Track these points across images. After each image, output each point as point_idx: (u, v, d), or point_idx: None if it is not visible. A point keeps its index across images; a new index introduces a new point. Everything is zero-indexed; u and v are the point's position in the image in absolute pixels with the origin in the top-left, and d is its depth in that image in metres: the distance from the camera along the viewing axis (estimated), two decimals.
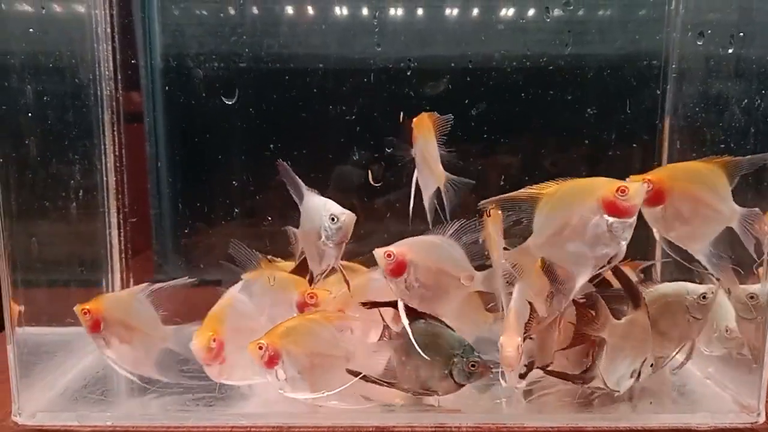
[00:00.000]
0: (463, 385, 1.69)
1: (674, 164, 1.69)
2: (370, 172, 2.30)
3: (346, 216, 1.66)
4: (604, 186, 1.51)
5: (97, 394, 1.83)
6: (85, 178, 2.21)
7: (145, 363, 1.85)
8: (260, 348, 1.61)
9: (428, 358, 1.65)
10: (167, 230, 2.47)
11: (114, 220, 2.36)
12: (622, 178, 1.94)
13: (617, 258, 1.55)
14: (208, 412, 1.72)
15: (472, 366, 1.66)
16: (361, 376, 1.67)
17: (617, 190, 1.49)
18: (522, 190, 1.60)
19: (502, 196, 1.62)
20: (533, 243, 1.60)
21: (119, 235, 2.38)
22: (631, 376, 1.68)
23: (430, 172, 1.87)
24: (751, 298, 1.72)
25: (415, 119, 1.88)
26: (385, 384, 1.70)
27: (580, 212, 1.52)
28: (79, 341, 2.02)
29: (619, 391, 1.69)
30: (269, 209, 2.36)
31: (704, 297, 1.70)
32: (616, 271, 1.69)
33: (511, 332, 1.61)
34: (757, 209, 1.71)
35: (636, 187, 1.50)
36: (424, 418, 1.68)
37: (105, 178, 2.32)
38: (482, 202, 1.68)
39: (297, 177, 1.81)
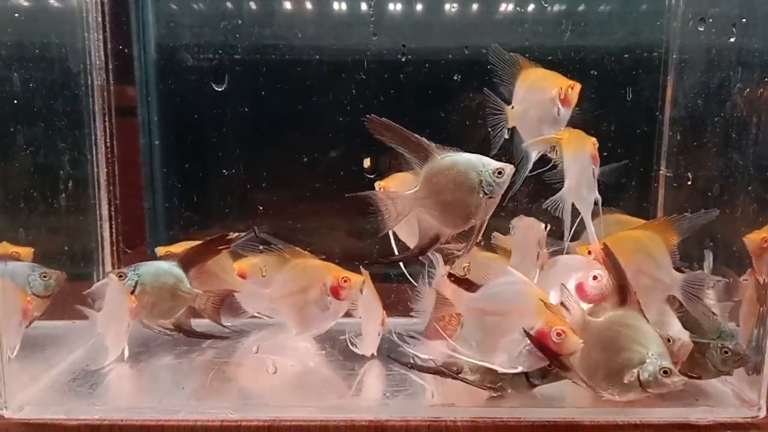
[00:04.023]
0: (536, 385, 1.64)
1: (616, 233, 1.73)
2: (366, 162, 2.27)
3: (510, 168, 1.63)
4: None
5: (85, 388, 1.80)
6: (75, 169, 2.18)
7: None
8: None
9: None
10: (160, 223, 2.44)
11: (105, 213, 2.33)
12: (623, 171, 1.98)
13: None
14: (198, 405, 1.68)
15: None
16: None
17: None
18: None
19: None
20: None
21: (110, 228, 2.35)
22: None
23: None
24: (668, 341, 1.64)
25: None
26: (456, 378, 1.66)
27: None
28: (68, 335, 2.00)
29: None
30: (263, 201, 2.34)
31: (669, 340, 1.64)
32: (614, 266, 1.62)
33: None
34: (700, 272, 1.76)
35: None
36: (419, 412, 1.65)
37: (96, 170, 2.28)
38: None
39: (414, 133, 1.64)
